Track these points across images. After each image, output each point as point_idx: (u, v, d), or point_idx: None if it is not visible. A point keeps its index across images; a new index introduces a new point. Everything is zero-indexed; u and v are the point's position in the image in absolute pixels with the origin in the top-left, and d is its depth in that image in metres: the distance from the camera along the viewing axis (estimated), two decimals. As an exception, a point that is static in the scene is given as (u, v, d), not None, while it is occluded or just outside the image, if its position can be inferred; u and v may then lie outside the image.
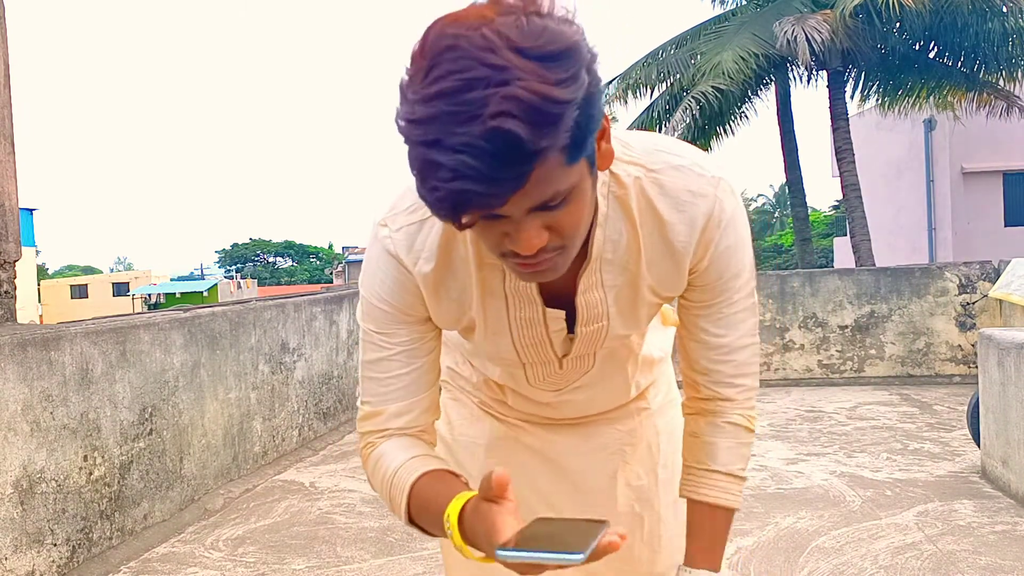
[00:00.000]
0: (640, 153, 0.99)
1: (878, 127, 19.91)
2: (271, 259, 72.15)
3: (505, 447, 1.30)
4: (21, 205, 3.43)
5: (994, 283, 6.46)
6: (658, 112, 13.29)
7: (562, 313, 1.05)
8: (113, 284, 48.22)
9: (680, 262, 1.02)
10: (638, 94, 13.48)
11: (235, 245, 72.12)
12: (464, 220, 0.79)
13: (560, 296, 1.03)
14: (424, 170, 0.75)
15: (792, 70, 13.01)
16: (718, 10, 14.00)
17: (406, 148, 0.76)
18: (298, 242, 72.47)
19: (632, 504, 1.29)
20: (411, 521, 1.05)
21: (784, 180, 15.04)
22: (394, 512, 1.09)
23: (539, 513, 1.13)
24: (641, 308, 1.07)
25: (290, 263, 71.89)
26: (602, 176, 0.96)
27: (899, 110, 13.15)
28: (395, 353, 1.06)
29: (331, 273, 60.01)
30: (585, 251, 0.98)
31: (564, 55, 0.74)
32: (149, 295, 43.06)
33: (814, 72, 12.89)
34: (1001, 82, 12.01)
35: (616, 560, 1.03)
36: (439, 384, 1.14)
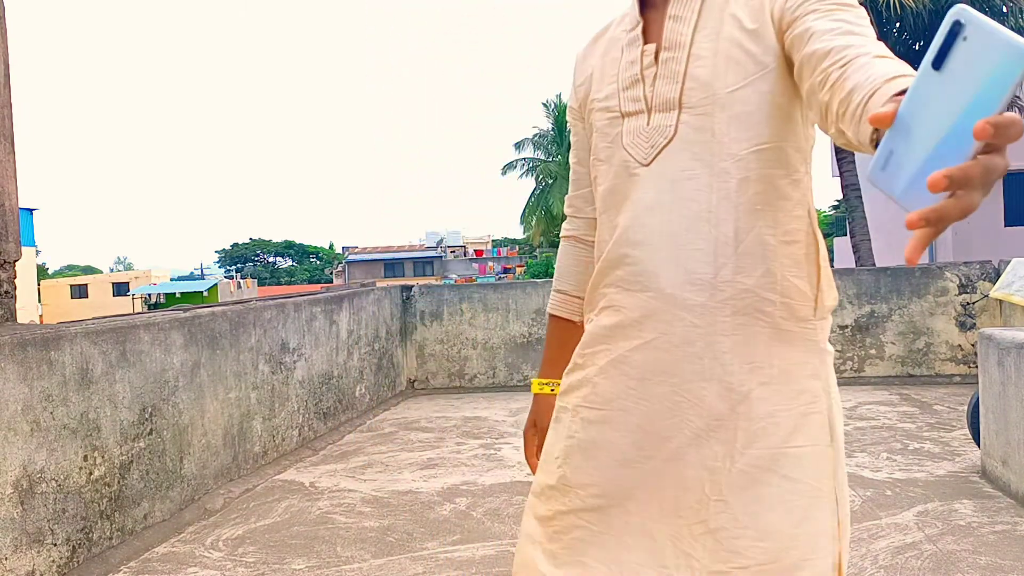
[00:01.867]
0: None
1: (878, 127, 19.87)
2: (271, 259, 72.16)
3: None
4: (21, 205, 3.43)
5: (994, 283, 6.46)
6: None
7: (653, 46, 1.22)
8: (113, 284, 48.20)
9: None
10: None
11: (235, 245, 72.13)
12: None
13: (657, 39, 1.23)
14: None
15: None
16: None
17: None
18: (298, 242, 72.49)
19: (703, 482, 1.16)
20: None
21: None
22: None
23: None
24: (721, 43, 1.15)
25: (290, 263, 71.90)
26: None
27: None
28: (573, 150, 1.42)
29: (331, 273, 60.02)
30: None
31: None
32: (149, 295, 43.04)
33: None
34: (1001, 82, 12.00)
35: (682, 539, 1.16)
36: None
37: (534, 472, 1.42)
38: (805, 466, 1.14)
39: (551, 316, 1.49)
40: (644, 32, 1.24)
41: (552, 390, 1.46)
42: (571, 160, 1.44)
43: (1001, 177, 0.65)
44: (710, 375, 1.15)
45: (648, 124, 1.20)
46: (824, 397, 1.17)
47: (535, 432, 1.49)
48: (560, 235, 1.52)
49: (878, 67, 0.88)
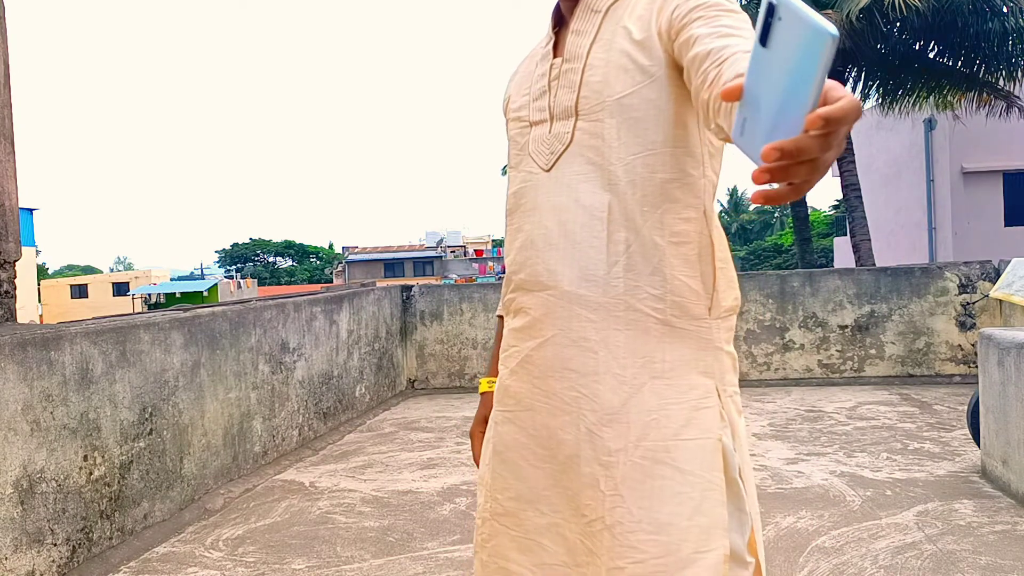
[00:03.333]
0: None
1: (878, 127, 19.92)
2: (271, 259, 72.13)
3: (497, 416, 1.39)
4: (21, 205, 3.43)
5: (994, 283, 6.46)
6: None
7: (560, 59, 1.29)
8: (113, 284, 48.19)
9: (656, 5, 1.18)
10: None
11: (235, 245, 72.08)
12: None
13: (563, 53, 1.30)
14: None
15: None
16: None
17: None
18: (298, 242, 72.45)
19: (598, 477, 1.18)
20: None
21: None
22: None
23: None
24: (612, 53, 1.21)
25: (290, 263, 71.86)
26: None
27: (899, 110, 13.15)
28: None
29: (331, 273, 59.99)
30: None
31: None
32: (149, 295, 43.02)
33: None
34: (1001, 82, 12.00)
35: (578, 537, 1.20)
36: None
37: None
38: (697, 458, 1.15)
39: (498, 317, 1.52)
40: (556, 46, 1.32)
41: None
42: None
43: (836, 156, 0.69)
44: (604, 369, 1.19)
45: (550, 132, 1.27)
46: (715, 394, 1.19)
47: (483, 429, 1.50)
48: None
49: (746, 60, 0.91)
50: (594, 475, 1.18)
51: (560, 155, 1.25)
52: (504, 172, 41.65)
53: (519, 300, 1.31)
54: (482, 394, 1.53)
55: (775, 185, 0.69)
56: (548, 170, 1.26)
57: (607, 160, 1.20)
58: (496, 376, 1.49)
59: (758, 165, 0.69)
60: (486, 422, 1.49)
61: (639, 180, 1.18)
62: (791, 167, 0.67)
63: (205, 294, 41.16)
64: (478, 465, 1.48)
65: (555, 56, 1.31)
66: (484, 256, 49.40)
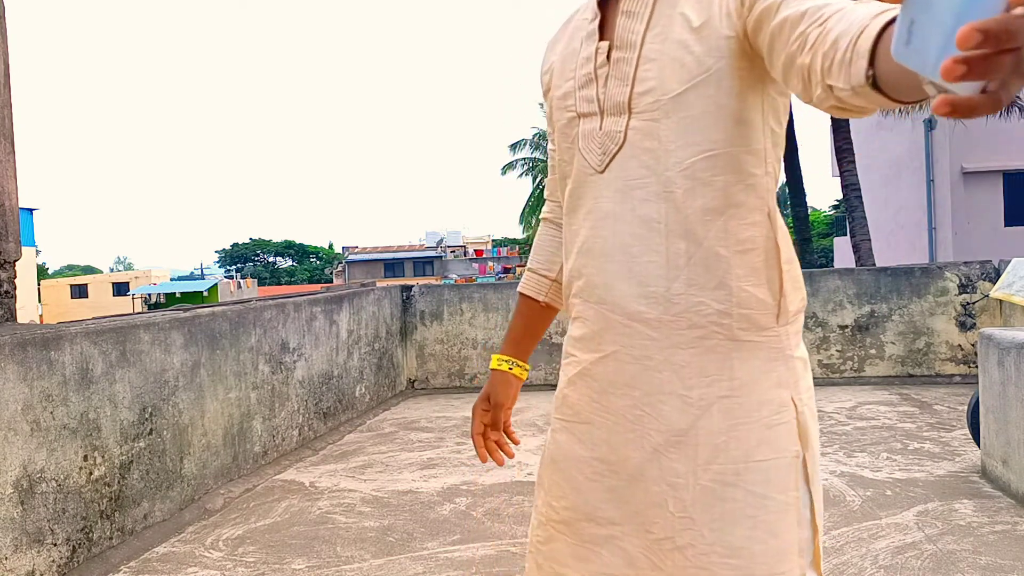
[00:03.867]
0: None
1: (878, 127, 19.93)
2: (271, 259, 72.15)
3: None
4: (21, 205, 3.43)
5: (994, 283, 6.46)
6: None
7: (606, 43, 1.19)
8: (113, 284, 48.20)
9: None
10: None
11: (235, 245, 72.13)
12: None
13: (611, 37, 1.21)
14: None
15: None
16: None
17: None
18: (298, 242, 72.48)
19: (666, 498, 1.14)
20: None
21: (784, 180, 15.05)
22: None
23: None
24: (668, 44, 1.12)
25: (290, 263, 71.89)
26: None
27: (899, 110, 13.16)
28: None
29: (331, 273, 59.99)
30: None
31: None
32: (149, 295, 43.03)
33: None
34: (1001, 82, 11.99)
35: (654, 554, 1.16)
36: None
37: (479, 452, 1.48)
38: (771, 479, 1.11)
39: (519, 294, 1.48)
40: (602, 25, 1.21)
41: (510, 368, 1.46)
42: (549, 146, 1.41)
43: None
44: (669, 389, 1.14)
45: (600, 128, 1.19)
46: (791, 406, 1.14)
47: (487, 408, 1.47)
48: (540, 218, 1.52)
49: (860, 11, 0.81)
50: (662, 495, 1.13)
51: (613, 156, 1.17)
52: (504, 172, 41.42)
53: (578, 307, 1.25)
54: (492, 370, 1.48)
55: (966, 90, 0.55)
56: (601, 172, 1.18)
57: (663, 165, 1.12)
58: (509, 355, 1.47)
59: (934, 80, 0.57)
60: (488, 400, 1.46)
61: (699, 186, 1.10)
62: (993, 58, 0.52)
63: (205, 294, 41.17)
64: (475, 443, 1.47)
65: (601, 38, 1.20)
66: (484, 256, 49.41)
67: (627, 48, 1.16)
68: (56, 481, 3.06)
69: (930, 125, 17.98)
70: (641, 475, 1.16)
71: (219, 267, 70.65)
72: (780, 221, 1.15)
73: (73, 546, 3.13)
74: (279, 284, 61.80)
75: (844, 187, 12.40)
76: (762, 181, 1.13)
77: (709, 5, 1.09)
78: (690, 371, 1.13)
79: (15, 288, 3.35)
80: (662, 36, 1.12)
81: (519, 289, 1.48)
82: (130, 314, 3.98)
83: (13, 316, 3.31)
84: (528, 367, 1.50)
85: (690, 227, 1.11)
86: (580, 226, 1.23)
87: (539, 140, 37.52)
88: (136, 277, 49.05)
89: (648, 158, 1.13)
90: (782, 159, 1.18)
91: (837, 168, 12.90)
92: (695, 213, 1.11)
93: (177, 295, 40.43)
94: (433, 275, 47.04)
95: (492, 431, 1.48)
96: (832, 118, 12.56)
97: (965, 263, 6.78)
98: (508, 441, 1.50)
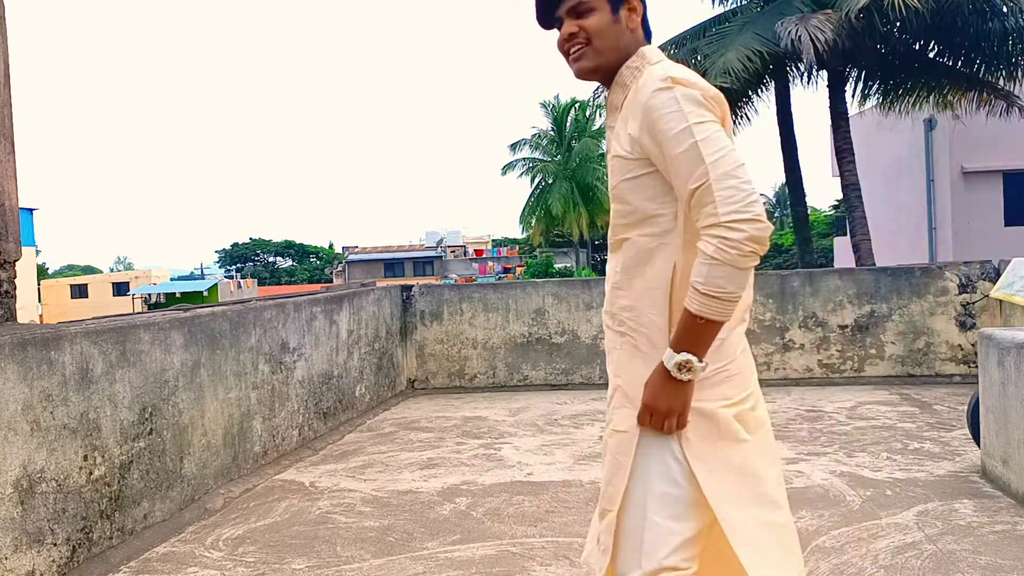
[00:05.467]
0: (658, 63, 1.70)
1: (878, 127, 19.89)
2: (271, 259, 72.09)
3: None
4: (21, 205, 3.43)
5: (994, 283, 6.46)
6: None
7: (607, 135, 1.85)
8: (113, 284, 48.18)
9: (633, 125, 1.65)
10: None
11: (235, 245, 72.05)
12: (544, 23, 1.78)
13: None
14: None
15: (792, 70, 13.01)
16: (719, 10, 13.99)
17: None
18: (298, 242, 72.41)
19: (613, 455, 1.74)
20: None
21: (784, 180, 15.04)
22: None
23: None
24: (609, 155, 1.76)
25: (290, 263, 71.82)
26: (634, 63, 1.73)
27: (899, 110, 13.15)
28: None
29: (331, 273, 59.97)
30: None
31: None
32: (149, 295, 43.02)
33: (814, 72, 12.89)
34: (1001, 82, 12.00)
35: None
36: None
37: None
38: (617, 444, 1.71)
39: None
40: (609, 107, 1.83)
41: None
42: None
43: None
44: (611, 373, 1.78)
45: (612, 219, 1.80)
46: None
47: None
48: None
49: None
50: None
51: (615, 234, 1.83)
52: (504, 172, 41.37)
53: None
54: None
55: None
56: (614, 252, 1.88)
57: (614, 231, 1.79)
58: None
59: None
60: None
61: (628, 243, 1.77)
62: None
63: (205, 294, 41.16)
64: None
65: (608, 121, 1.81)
66: (484, 256, 49.40)
67: (608, 152, 1.82)
68: (56, 481, 3.06)
69: (930, 125, 17.96)
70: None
71: (219, 267, 70.57)
72: (680, 273, 1.66)
73: (73, 546, 3.13)
74: (279, 284, 61.74)
75: (844, 187, 12.40)
76: (672, 240, 1.69)
77: (635, 140, 1.67)
78: (616, 363, 1.78)
79: (15, 288, 3.34)
80: (614, 143, 1.77)
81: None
82: (130, 314, 3.98)
83: (13, 316, 3.31)
84: None
85: (624, 268, 1.78)
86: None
87: (539, 140, 37.49)
88: (136, 277, 49.03)
89: (615, 225, 1.82)
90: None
91: (837, 168, 12.90)
92: (627, 260, 1.77)
93: (177, 295, 40.40)
94: (433, 275, 47.02)
95: None
96: (832, 119, 12.55)
97: (965, 263, 6.78)
98: None
